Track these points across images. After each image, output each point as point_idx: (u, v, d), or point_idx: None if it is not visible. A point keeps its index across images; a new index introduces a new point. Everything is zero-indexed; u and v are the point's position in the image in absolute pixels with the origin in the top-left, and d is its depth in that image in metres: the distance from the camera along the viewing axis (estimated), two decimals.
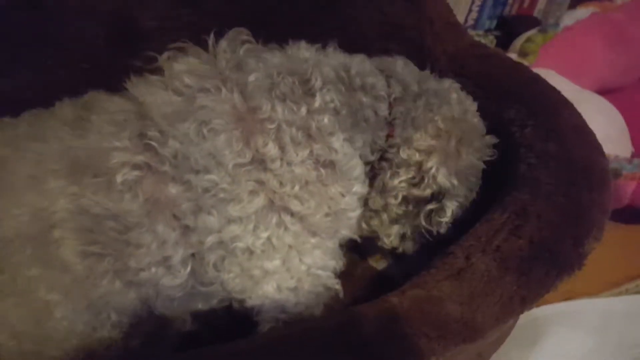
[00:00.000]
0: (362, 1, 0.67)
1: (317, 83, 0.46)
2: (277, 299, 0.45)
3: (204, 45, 0.47)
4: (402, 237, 0.56)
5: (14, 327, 0.40)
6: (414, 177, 0.50)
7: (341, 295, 0.49)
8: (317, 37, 0.67)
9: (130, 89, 0.45)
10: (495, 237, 0.44)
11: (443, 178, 0.49)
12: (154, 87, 0.44)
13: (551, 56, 0.91)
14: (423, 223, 0.52)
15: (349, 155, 0.46)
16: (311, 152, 0.44)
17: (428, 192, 0.50)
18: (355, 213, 0.48)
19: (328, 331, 0.41)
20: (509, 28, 1.12)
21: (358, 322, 0.41)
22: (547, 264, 0.42)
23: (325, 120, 0.45)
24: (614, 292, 0.70)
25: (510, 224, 0.45)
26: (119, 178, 0.40)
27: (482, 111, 0.57)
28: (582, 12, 0.94)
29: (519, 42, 0.96)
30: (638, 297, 0.69)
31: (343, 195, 0.46)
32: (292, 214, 0.44)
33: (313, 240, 0.46)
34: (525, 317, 0.64)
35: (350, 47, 0.68)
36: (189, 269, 0.43)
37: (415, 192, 0.50)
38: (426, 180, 0.50)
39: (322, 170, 0.45)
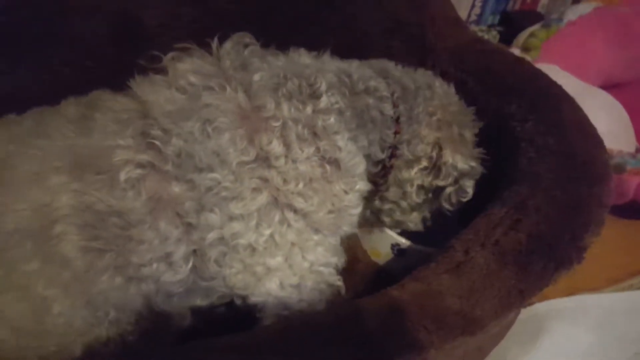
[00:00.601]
0: None
1: (322, 87, 0.47)
2: (280, 296, 0.46)
3: (207, 48, 0.47)
4: (423, 217, 0.60)
5: (12, 321, 0.40)
6: (426, 167, 0.53)
7: (343, 291, 0.50)
8: (320, 35, 0.68)
9: (134, 88, 0.45)
10: (495, 231, 0.44)
11: (462, 164, 0.53)
12: (157, 86, 0.45)
13: (554, 51, 0.90)
14: (446, 206, 0.56)
15: (353, 153, 0.47)
16: (317, 149, 0.45)
17: (450, 180, 0.54)
18: (357, 210, 0.49)
19: (329, 324, 0.41)
20: (512, 23, 1.12)
21: (359, 315, 0.41)
22: (545, 258, 0.42)
23: (332, 119, 0.46)
24: (616, 288, 0.70)
25: (509, 219, 0.45)
26: (122, 176, 0.41)
27: (484, 106, 0.58)
28: (585, 7, 0.93)
29: (522, 37, 0.96)
30: None
31: (346, 193, 0.47)
32: (295, 211, 0.45)
33: (316, 237, 0.46)
34: (527, 312, 0.64)
35: (352, 44, 0.69)
36: (190, 264, 0.43)
37: (439, 182, 0.54)
38: (444, 170, 0.53)
39: (327, 167, 0.45)
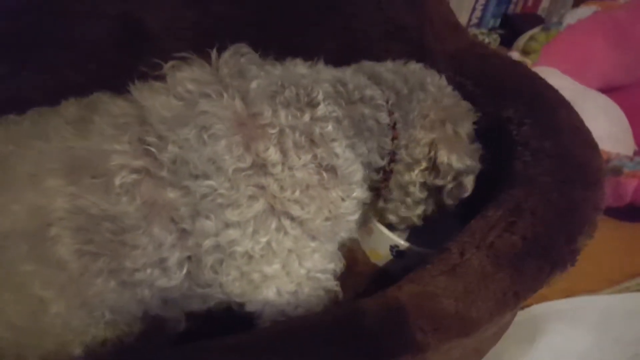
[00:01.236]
0: (362, 2, 0.68)
1: (319, 96, 0.47)
2: (277, 303, 0.46)
3: (207, 58, 0.48)
4: (427, 210, 0.61)
5: (10, 320, 0.40)
6: (427, 168, 0.55)
7: (340, 297, 0.50)
8: (319, 37, 0.69)
9: (133, 93, 0.46)
10: (490, 234, 0.45)
11: (457, 163, 0.54)
12: (156, 93, 0.45)
13: (554, 55, 0.91)
14: (448, 201, 0.57)
15: (350, 161, 0.47)
16: (314, 156, 0.45)
17: (449, 178, 0.55)
18: (354, 217, 0.49)
19: (327, 324, 0.42)
20: (513, 26, 1.12)
21: (356, 316, 0.42)
22: (540, 260, 0.43)
23: (329, 127, 0.46)
24: (614, 290, 0.70)
25: (504, 221, 0.45)
26: (117, 180, 0.41)
27: (481, 110, 0.58)
28: (585, 11, 0.93)
29: (522, 40, 0.96)
30: (638, 294, 0.69)
31: (343, 200, 0.47)
32: (292, 219, 0.45)
33: (313, 244, 0.46)
34: (525, 314, 0.64)
35: (352, 47, 0.69)
36: (184, 271, 0.43)
37: (436, 181, 0.55)
38: (442, 170, 0.54)
39: (324, 174, 0.46)
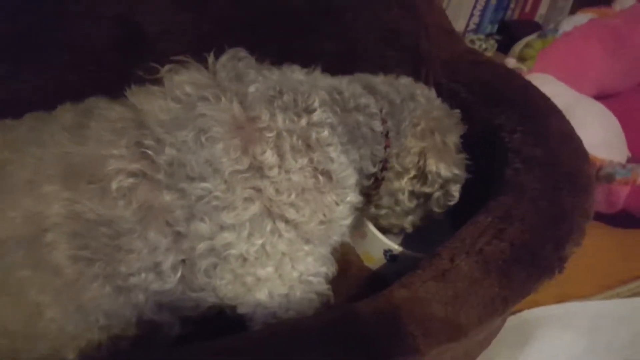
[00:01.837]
0: (360, 8, 0.69)
1: (316, 102, 0.48)
2: (269, 305, 0.46)
3: (204, 63, 0.48)
4: (420, 219, 0.63)
5: (7, 324, 0.41)
6: (415, 176, 0.56)
7: (332, 300, 0.50)
8: (316, 42, 0.70)
9: (130, 98, 0.46)
10: (479, 240, 0.45)
11: (445, 172, 0.55)
12: (153, 96, 0.45)
13: (549, 61, 0.91)
14: (436, 209, 0.59)
15: (345, 165, 0.48)
16: (310, 160, 0.46)
17: (436, 186, 0.56)
18: (347, 221, 0.49)
19: (319, 327, 0.42)
20: (510, 32, 1.13)
21: (347, 319, 0.42)
22: (528, 266, 0.43)
23: (325, 132, 0.47)
24: (605, 296, 0.71)
25: (494, 227, 0.46)
26: (114, 185, 0.41)
27: (474, 116, 0.59)
28: (581, 18, 0.94)
29: (518, 47, 0.97)
30: (629, 300, 0.70)
31: (337, 204, 0.47)
32: (286, 222, 0.45)
33: (306, 247, 0.47)
34: (516, 319, 0.65)
35: (348, 52, 0.70)
36: (179, 274, 0.44)
37: (425, 189, 0.56)
38: (430, 178, 0.56)
39: (320, 178, 0.46)
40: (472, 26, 1.18)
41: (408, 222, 0.62)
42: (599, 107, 0.87)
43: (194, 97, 0.45)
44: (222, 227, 0.43)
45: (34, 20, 0.59)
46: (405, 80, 0.59)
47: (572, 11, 1.12)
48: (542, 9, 1.21)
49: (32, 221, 0.40)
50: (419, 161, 0.55)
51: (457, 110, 0.59)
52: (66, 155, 0.42)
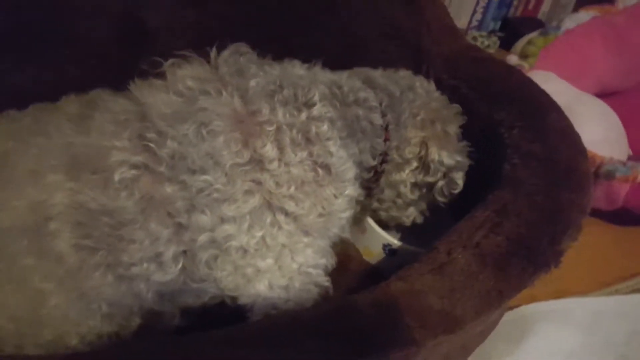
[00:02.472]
0: (361, 4, 0.69)
1: (316, 97, 0.48)
2: (268, 296, 0.47)
3: (206, 57, 0.49)
4: (421, 212, 0.62)
5: (11, 311, 0.42)
6: (417, 167, 0.56)
7: (331, 292, 0.51)
8: (318, 38, 0.70)
9: (133, 91, 0.47)
10: (476, 234, 0.46)
11: (448, 159, 0.55)
12: (156, 90, 0.46)
13: (551, 59, 0.91)
14: (439, 199, 0.59)
15: (344, 159, 0.48)
16: (310, 153, 0.46)
17: (439, 175, 0.56)
18: (346, 214, 0.50)
19: (317, 319, 0.42)
20: (512, 30, 1.13)
21: (345, 311, 0.43)
22: (523, 260, 0.44)
23: (325, 126, 0.47)
24: (604, 292, 0.71)
25: (490, 222, 0.46)
26: (116, 176, 0.42)
27: (474, 112, 0.59)
28: (584, 16, 0.94)
29: (520, 44, 0.97)
30: (628, 297, 0.70)
31: (336, 197, 0.48)
32: (286, 214, 0.45)
33: (306, 239, 0.47)
34: (514, 314, 0.65)
35: (349, 48, 0.70)
36: (180, 265, 0.44)
37: (428, 179, 0.56)
38: (433, 167, 0.56)
39: (320, 171, 0.47)
40: (474, 23, 1.18)
41: (409, 215, 0.62)
42: (600, 105, 0.87)
43: (195, 91, 0.46)
44: (223, 219, 0.44)
45: (37, 13, 0.60)
46: (404, 73, 0.60)
47: (575, 9, 1.12)
48: (545, 6, 1.21)
49: (36, 210, 0.41)
50: (420, 151, 0.56)
51: (457, 105, 0.59)
52: (70, 145, 0.43)
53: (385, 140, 0.54)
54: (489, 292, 0.43)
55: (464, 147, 0.58)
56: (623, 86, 0.94)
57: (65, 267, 0.41)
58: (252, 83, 0.47)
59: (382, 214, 0.63)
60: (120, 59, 0.63)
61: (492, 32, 1.18)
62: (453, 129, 0.57)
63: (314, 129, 0.47)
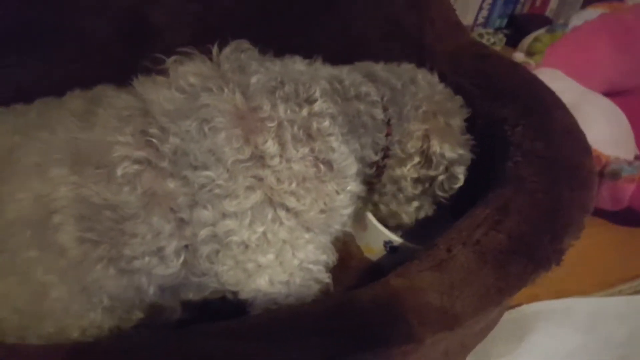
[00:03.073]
0: (364, 1, 0.69)
1: (317, 93, 0.48)
2: (269, 292, 0.47)
3: (208, 54, 0.49)
4: (419, 208, 0.62)
5: (14, 302, 0.42)
6: (420, 162, 0.56)
7: (331, 288, 0.51)
8: (320, 35, 0.70)
9: (136, 87, 0.47)
10: (476, 231, 0.46)
11: (450, 153, 0.55)
12: (158, 86, 0.46)
13: (558, 56, 0.90)
14: (440, 193, 0.58)
15: (345, 155, 0.48)
16: (311, 149, 0.46)
17: (441, 169, 0.56)
18: (348, 210, 0.50)
19: (316, 314, 0.43)
20: (519, 27, 1.12)
21: (344, 307, 0.43)
22: (524, 258, 0.44)
23: (326, 122, 0.47)
24: (606, 293, 0.71)
25: (491, 219, 0.46)
26: (119, 171, 0.42)
27: (478, 110, 0.59)
28: (591, 13, 0.93)
29: (526, 41, 0.97)
30: (630, 298, 0.70)
31: (338, 193, 0.48)
32: (287, 210, 0.46)
33: (307, 235, 0.47)
34: (515, 312, 0.65)
35: (352, 45, 0.70)
36: (181, 259, 0.45)
37: (429, 173, 0.56)
38: (435, 160, 0.55)
39: (321, 167, 0.47)
40: (481, 20, 1.17)
41: (409, 212, 0.61)
42: (607, 104, 0.86)
43: (197, 87, 0.46)
44: (224, 215, 0.44)
45: (42, 9, 0.60)
46: (406, 66, 0.59)
47: (583, 6, 1.11)
48: (553, 3, 1.20)
49: (40, 203, 0.41)
50: (422, 145, 0.55)
51: (459, 97, 0.59)
52: (74, 140, 0.43)
53: (387, 134, 0.53)
54: (489, 289, 0.43)
55: (467, 140, 0.58)
56: (631, 85, 0.92)
57: (67, 260, 0.42)
58: (254, 80, 0.47)
59: (383, 208, 0.62)
60: (123, 54, 0.64)
61: (498, 29, 1.17)
62: (456, 121, 0.57)
63: (315, 125, 0.47)
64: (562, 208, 0.46)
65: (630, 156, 0.82)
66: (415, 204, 0.61)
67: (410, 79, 0.57)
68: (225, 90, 0.45)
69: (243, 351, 0.39)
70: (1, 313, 0.42)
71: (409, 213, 0.61)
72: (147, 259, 0.44)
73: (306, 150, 0.46)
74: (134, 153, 0.43)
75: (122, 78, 0.49)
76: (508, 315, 0.62)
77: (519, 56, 0.93)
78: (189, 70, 0.47)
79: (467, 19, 1.15)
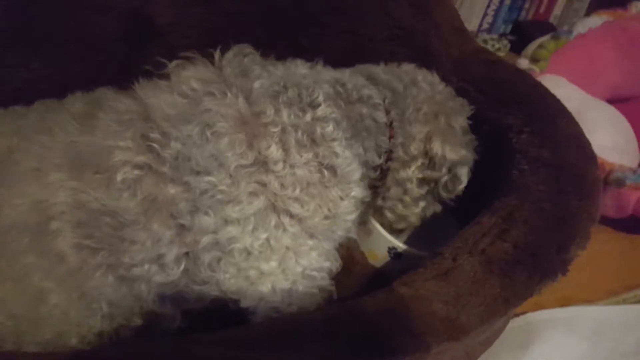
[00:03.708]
0: (370, 4, 0.68)
1: (320, 97, 0.48)
2: (271, 299, 0.46)
3: (210, 59, 0.49)
4: (426, 208, 0.61)
5: (11, 309, 0.41)
6: (423, 163, 0.55)
7: (335, 296, 0.50)
8: (325, 38, 0.70)
9: (138, 91, 0.46)
10: (482, 240, 0.45)
11: (451, 154, 0.55)
12: (160, 90, 0.46)
13: (562, 63, 0.90)
14: (444, 194, 0.58)
15: (349, 160, 0.48)
16: (315, 154, 0.46)
17: (444, 170, 0.55)
18: (352, 216, 0.49)
19: (318, 323, 0.42)
20: (523, 33, 1.12)
21: (347, 316, 0.42)
22: (530, 268, 0.43)
23: (330, 127, 0.47)
24: (611, 301, 0.70)
25: (497, 228, 0.46)
26: (119, 176, 0.41)
27: (482, 116, 0.59)
28: (596, 20, 0.93)
29: (531, 48, 0.96)
30: (635, 306, 0.69)
31: (342, 199, 0.47)
32: (291, 216, 0.45)
33: (310, 242, 0.47)
34: (520, 321, 0.64)
35: (357, 49, 0.70)
36: (182, 267, 0.44)
37: (433, 174, 0.56)
38: (437, 162, 0.55)
39: (325, 172, 0.46)
40: (485, 26, 1.17)
41: (416, 213, 0.61)
42: (611, 111, 0.86)
43: (200, 92, 0.45)
44: (227, 221, 0.43)
45: (44, 10, 0.60)
46: (406, 67, 0.59)
47: (587, 13, 1.11)
48: (557, 10, 1.20)
49: (38, 209, 0.41)
50: (424, 147, 0.55)
51: (462, 97, 0.59)
52: (73, 144, 0.43)
53: (390, 137, 0.53)
54: (495, 299, 0.42)
55: (470, 140, 0.57)
56: (635, 92, 0.92)
57: (66, 266, 0.41)
58: (256, 84, 0.47)
59: (389, 215, 0.61)
60: (127, 56, 0.63)
61: (502, 35, 1.17)
62: (458, 122, 0.56)
63: (319, 130, 0.46)
64: (569, 218, 0.46)
65: (634, 164, 0.82)
66: (422, 204, 0.60)
67: (411, 81, 0.56)
68: (228, 94, 0.45)
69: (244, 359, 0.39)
70: None
71: (416, 214, 0.61)
72: (146, 266, 0.43)
73: (310, 155, 0.46)
74: (134, 158, 0.42)
75: (125, 79, 0.48)
76: (513, 324, 0.62)
77: (523, 62, 0.93)
78: (191, 75, 0.47)
79: (471, 25, 1.15)
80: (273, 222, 0.45)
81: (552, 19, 1.21)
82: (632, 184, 0.72)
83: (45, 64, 0.60)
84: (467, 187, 0.57)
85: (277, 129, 0.45)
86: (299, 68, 0.52)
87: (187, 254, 0.44)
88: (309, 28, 0.69)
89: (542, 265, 0.43)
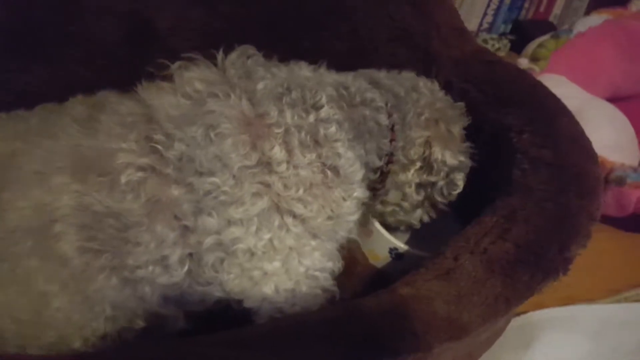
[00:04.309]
0: (370, 6, 0.68)
1: (323, 99, 0.48)
2: (274, 300, 0.46)
3: (213, 60, 0.49)
4: (423, 213, 0.62)
5: (14, 312, 0.41)
6: (422, 167, 0.56)
7: (337, 297, 0.50)
8: (326, 40, 0.70)
9: (140, 93, 0.47)
10: (484, 240, 0.45)
11: (451, 159, 0.56)
12: (163, 92, 0.46)
13: (563, 62, 0.90)
14: (439, 199, 0.59)
15: (352, 161, 0.48)
16: (318, 155, 0.46)
17: (442, 175, 0.56)
18: (354, 217, 0.50)
19: (320, 323, 0.42)
20: (523, 32, 1.12)
21: (349, 316, 0.43)
22: (532, 267, 0.43)
23: (333, 128, 0.47)
24: (613, 300, 0.70)
25: (499, 228, 0.46)
26: (123, 178, 0.41)
27: (483, 116, 0.59)
28: (596, 19, 0.93)
29: (531, 47, 0.96)
30: (636, 305, 0.69)
31: (344, 199, 0.48)
32: (294, 216, 0.45)
33: (313, 242, 0.47)
34: (521, 320, 0.64)
35: (358, 50, 0.70)
36: (186, 268, 0.44)
37: (431, 178, 0.56)
38: (436, 167, 0.56)
39: (328, 173, 0.47)
40: (485, 25, 1.17)
41: (416, 217, 0.62)
42: (611, 110, 0.86)
43: (203, 93, 0.46)
44: (230, 222, 0.44)
45: (46, 14, 0.60)
46: (407, 74, 0.60)
47: (587, 12, 1.11)
48: (557, 9, 1.20)
49: (41, 212, 0.41)
50: (424, 152, 0.55)
51: (462, 103, 0.59)
52: (76, 147, 0.43)
53: (391, 140, 0.53)
54: (496, 298, 0.42)
55: (467, 147, 0.58)
56: (635, 90, 0.92)
57: (69, 269, 0.41)
58: (260, 86, 0.47)
59: (389, 219, 0.62)
60: (128, 59, 0.63)
61: (502, 35, 1.17)
62: (457, 129, 0.57)
63: (322, 131, 0.47)
64: (570, 217, 0.46)
65: (634, 162, 0.82)
66: (419, 211, 0.61)
67: (412, 87, 0.57)
68: (232, 96, 0.45)
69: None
70: (1, 322, 0.42)
71: (415, 219, 0.62)
72: (150, 267, 0.43)
73: (313, 156, 0.46)
74: (138, 160, 0.42)
75: (126, 82, 0.48)
76: (514, 323, 0.62)
77: (523, 62, 0.93)
78: (194, 76, 0.47)
79: (471, 25, 1.15)
80: (276, 223, 0.45)
81: (552, 18, 1.21)
82: (633, 182, 0.72)
83: (46, 68, 0.60)
84: (467, 187, 0.58)
85: (280, 130, 0.45)
86: (303, 70, 0.52)
87: (190, 255, 0.44)
88: (310, 30, 0.69)
89: (544, 265, 0.43)
